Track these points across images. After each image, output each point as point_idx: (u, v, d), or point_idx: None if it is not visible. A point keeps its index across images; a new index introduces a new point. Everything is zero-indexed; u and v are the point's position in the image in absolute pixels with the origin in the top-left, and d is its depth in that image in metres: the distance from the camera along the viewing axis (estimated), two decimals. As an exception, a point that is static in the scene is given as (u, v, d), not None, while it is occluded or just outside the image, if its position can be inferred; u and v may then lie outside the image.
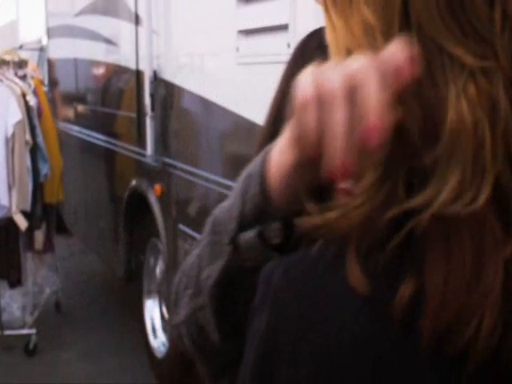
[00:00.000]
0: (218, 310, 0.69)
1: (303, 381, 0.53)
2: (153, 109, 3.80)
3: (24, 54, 5.67)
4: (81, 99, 5.61)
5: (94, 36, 5.00)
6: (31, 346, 4.38)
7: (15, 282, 4.48)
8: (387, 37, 0.53)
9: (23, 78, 4.75)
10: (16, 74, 4.68)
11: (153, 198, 3.94)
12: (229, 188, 3.03)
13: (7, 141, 4.29)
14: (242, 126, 2.93)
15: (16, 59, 4.82)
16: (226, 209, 0.69)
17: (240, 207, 0.67)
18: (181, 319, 0.74)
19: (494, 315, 0.50)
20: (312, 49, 0.82)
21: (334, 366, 0.52)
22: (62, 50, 5.94)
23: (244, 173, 0.68)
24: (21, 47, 6.77)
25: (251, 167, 0.67)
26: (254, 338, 0.57)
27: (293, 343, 0.54)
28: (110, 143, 4.78)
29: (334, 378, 0.52)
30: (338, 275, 0.54)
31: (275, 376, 0.54)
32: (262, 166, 0.64)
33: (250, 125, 2.84)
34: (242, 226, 0.66)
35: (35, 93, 4.71)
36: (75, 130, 5.71)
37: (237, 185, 0.69)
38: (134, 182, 4.25)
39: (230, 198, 0.70)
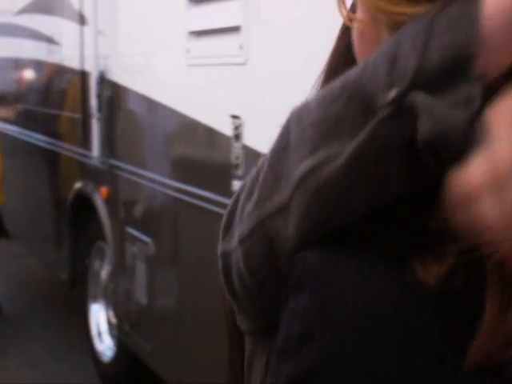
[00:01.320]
0: (311, 206, 0.55)
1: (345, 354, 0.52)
2: (99, 110, 3.74)
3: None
4: (22, 100, 5.50)
5: (36, 35, 4.90)
6: (-29, 352, 4.28)
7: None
8: None
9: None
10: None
11: (99, 201, 3.88)
12: (176, 190, 3.01)
13: None
14: (191, 127, 2.91)
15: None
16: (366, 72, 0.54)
17: (417, 59, 0.50)
18: (235, 242, 0.61)
19: None
20: None
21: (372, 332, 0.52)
22: (2, 49, 5.81)
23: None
24: None
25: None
26: (294, 317, 0.54)
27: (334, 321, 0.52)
28: (54, 144, 4.70)
29: (373, 341, 0.51)
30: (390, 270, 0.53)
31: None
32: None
33: (199, 126, 2.82)
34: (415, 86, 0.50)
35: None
36: (16, 130, 5.59)
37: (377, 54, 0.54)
38: (78, 185, 4.19)
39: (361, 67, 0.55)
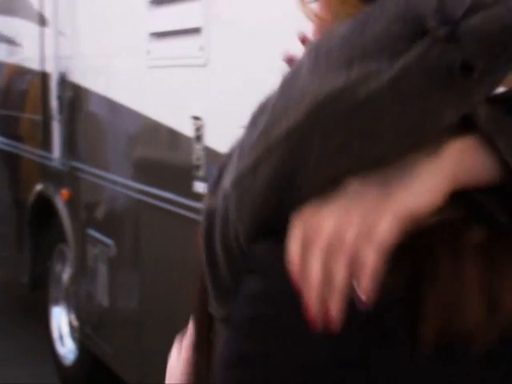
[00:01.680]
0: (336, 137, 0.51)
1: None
2: (60, 111, 3.72)
3: None
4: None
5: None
6: None
7: None
8: None
9: None
10: None
11: (60, 203, 3.85)
12: (138, 191, 3.00)
13: None
14: (152, 128, 2.90)
15: None
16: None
17: None
18: (228, 187, 0.56)
19: (478, 304, 0.53)
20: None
21: None
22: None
23: None
24: None
25: None
26: (245, 300, 0.55)
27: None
28: (13, 146, 4.65)
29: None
30: None
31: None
32: None
33: (161, 128, 2.82)
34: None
35: None
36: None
37: None
38: (39, 187, 4.15)
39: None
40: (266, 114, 0.54)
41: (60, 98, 3.68)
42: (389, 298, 0.52)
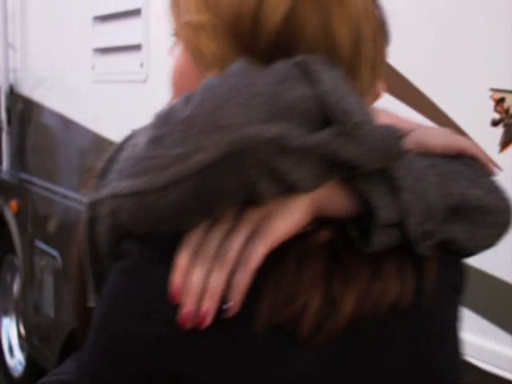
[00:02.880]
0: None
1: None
2: (9, 123, 3.74)
3: None
4: None
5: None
6: None
7: None
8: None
9: None
10: None
11: (9, 215, 3.87)
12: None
13: None
14: (97, 142, 2.94)
15: None
16: None
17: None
18: (130, 189, 0.62)
19: (317, 300, 0.64)
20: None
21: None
22: None
23: None
24: None
25: None
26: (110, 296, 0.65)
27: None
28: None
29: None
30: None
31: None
32: None
33: (105, 141, 2.86)
34: None
35: None
36: None
37: None
38: (-10, 199, 4.16)
39: None
40: (175, 135, 0.60)
41: (9, 109, 3.71)
42: None
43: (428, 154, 0.72)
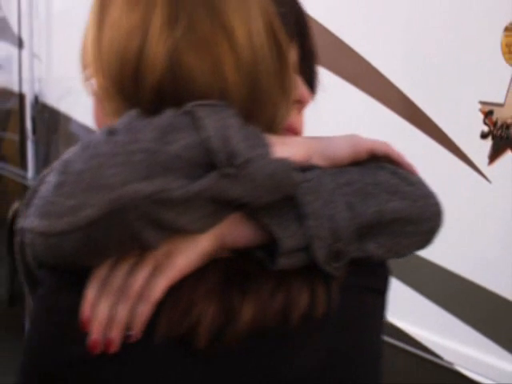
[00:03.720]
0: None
1: None
2: (34, 132, 3.82)
3: None
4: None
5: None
6: None
7: None
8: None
9: None
10: None
11: (34, 221, 3.94)
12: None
13: None
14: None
15: None
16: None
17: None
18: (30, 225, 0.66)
19: (212, 311, 0.68)
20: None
21: None
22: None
23: None
24: None
25: None
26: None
27: None
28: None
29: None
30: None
31: None
32: None
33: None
34: None
35: None
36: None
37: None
38: (16, 204, 4.25)
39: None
40: (69, 186, 0.64)
41: (34, 119, 3.79)
42: None
43: (344, 169, 0.74)
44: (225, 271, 0.70)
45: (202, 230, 0.68)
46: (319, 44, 1.83)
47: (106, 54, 0.70)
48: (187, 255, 0.69)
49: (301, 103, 0.86)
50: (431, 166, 1.72)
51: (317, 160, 0.73)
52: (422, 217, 0.75)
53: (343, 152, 0.75)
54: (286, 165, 0.67)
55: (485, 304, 1.67)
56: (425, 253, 1.74)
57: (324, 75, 1.92)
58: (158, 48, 0.67)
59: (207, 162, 0.64)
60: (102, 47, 0.70)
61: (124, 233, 0.64)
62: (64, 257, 0.67)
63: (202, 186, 0.64)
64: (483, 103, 1.56)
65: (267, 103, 0.71)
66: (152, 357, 0.68)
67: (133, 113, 0.67)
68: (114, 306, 0.68)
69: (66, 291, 0.69)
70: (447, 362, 1.74)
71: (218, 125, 0.65)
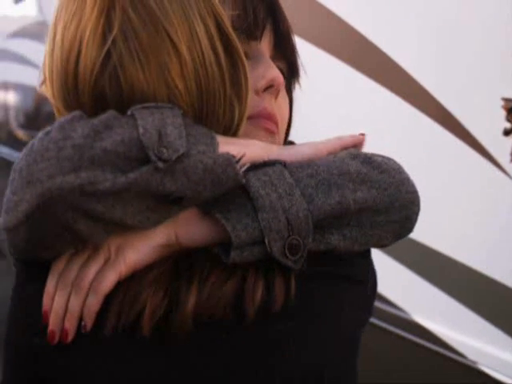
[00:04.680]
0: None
1: None
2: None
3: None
4: (12, 122, 5.64)
5: (24, 60, 5.05)
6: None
7: None
8: None
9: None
10: None
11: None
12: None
13: None
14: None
15: None
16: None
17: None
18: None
19: (156, 299, 0.70)
20: None
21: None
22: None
23: None
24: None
25: None
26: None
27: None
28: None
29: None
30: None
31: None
32: None
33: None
34: None
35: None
36: (6, 152, 5.73)
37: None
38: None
39: None
40: (14, 183, 0.68)
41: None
42: None
43: (311, 162, 0.73)
44: (175, 262, 0.72)
45: (147, 225, 0.69)
46: (345, 41, 1.83)
47: (53, 71, 0.73)
48: (138, 250, 0.71)
49: (273, 87, 0.84)
50: (453, 162, 1.71)
51: (281, 156, 0.74)
52: (392, 205, 0.73)
53: (303, 154, 0.75)
54: (226, 159, 0.68)
55: (510, 304, 1.65)
56: (449, 251, 1.73)
57: (349, 72, 1.93)
58: (91, 58, 0.70)
59: (142, 157, 0.66)
60: (53, 63, 0.73)
61: (58, 225, 0.66)
62: (20, 250, 0.71)
63: (129, 179, 0.65)
64: (506, 100, 1.55)
65: (218, 105, 0.73)
66: (102, 347, 0.70)
67: (76, 113, 0.69)
68: (68, 299, 0.71)
69: (33, 282, 0.73)
70: (471, 360, 1.72)
71: (157, 123, 0.67)
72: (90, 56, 0.70)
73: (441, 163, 1.74)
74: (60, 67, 0.72)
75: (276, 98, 0.86)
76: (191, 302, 0.69)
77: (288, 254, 0.69)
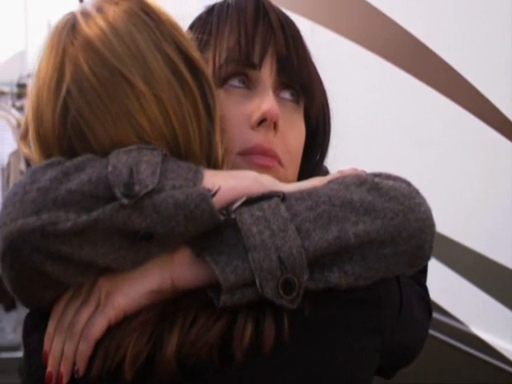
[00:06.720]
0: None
1: None
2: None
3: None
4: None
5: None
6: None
7: (10, 305, 4.62)
8: None
9: (21, 108, 4.93)
10: (14, 105, 4.85)
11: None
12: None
13: (2, 170, 4.46)
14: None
15: (14, 90, 4.99)
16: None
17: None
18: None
19: (139, 343, 0.69)
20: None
21: None
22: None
23: None
24: (28, 76, 6.96)
25: None
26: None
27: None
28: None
29: None
30: None
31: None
32: None
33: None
34: None
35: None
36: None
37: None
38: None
39: None
40: None
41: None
42: None
43: (313, 191, 0.70)
44: (164, 306, 0.70)
45: (125, 265, 0.69)
46: (408, 51, 1.80)
47: (30, 128, 0.75)
48: (127, 295, 0.70)
49: (266, 121, 0.79)
50: (497, 159, 1.67)
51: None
52: (399, 235, 0.68)
53: (300, 186, 0.72)
54: (199, 194, 0.66)
55: None
56: (507, 262, 1.68)
57: (414, 83, 1.90)
58: (48, 112, 0.71)
59: (109, 195, 0.65)
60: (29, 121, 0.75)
61: (27, 267, 0.67)
62: (15, 298, 0.73)
63: (91, 217, 0.65)
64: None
65: (192, 130, 0.71)
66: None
67: (55, 159, 0.70)
68: (64, 343, 0.72)
69: (35, 332, 0.75)
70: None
71: (131, 161, 0.67)
72: (46, 111, 0.72)
73: (484, 160, 1.70)
74: (32, 124, 0.74)
75: (275, 129, 0.80)
76: (172, 344, 0.68)
77: (282, 294, 0.67)
